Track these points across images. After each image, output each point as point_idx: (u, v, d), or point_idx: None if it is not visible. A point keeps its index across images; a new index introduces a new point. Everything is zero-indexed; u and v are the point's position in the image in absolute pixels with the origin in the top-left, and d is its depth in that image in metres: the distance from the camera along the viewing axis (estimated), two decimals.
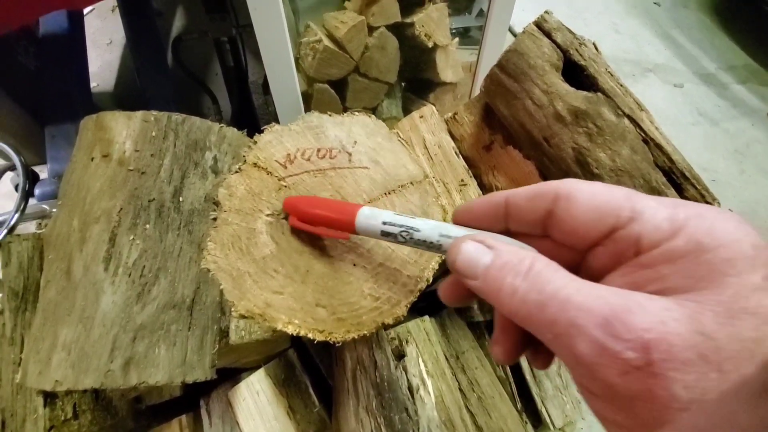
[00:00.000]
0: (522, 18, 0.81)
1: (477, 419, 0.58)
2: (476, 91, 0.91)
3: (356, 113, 0.29)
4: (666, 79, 1.23)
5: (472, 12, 0.96)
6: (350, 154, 0.27)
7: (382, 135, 0.28)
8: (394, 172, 0.28)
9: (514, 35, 1.16)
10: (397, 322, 0.25)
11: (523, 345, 0.19)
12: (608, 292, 0.14)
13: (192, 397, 0.56)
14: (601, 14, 1.38)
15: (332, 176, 0.27)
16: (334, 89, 0.83)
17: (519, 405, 0.63)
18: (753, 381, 0.11)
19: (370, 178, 0.27)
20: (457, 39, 0.90)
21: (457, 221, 0.21)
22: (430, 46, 0.85)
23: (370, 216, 0.22)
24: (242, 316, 0.22)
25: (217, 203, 0.24)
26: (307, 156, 0.27)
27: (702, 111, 1.17)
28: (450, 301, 0.22)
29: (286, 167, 0.26)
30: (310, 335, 0.22)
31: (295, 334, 0.22)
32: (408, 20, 0.82)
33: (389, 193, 0.27)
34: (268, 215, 0.25)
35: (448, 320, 0.65)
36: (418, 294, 0.25)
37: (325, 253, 0.25)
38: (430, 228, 0.20)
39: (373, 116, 0.29)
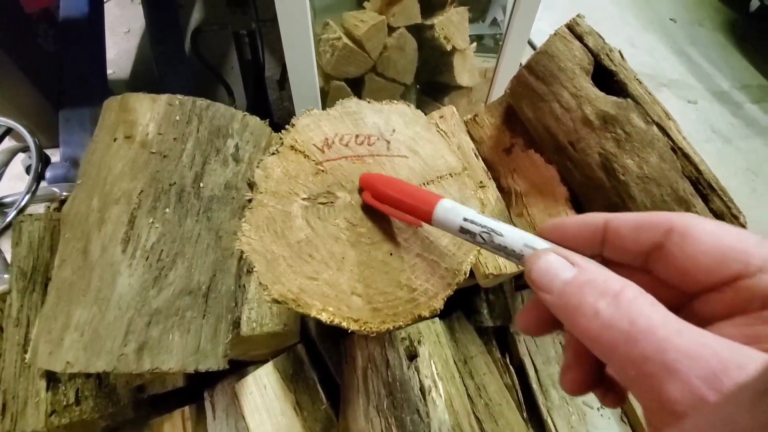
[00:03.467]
0: (537, 27, 0.81)
1: (484, 425, 0.56)
2: (493, 98, 0.91)
3: (395, 102, 0.28)
4: (680, 95, 1.23)
5: (485, 20, 0.97)
6: (389, 142, 0.27)
7: (420, 125, 0.28)
8: (433, 163, 0.27)
9: (532, 46, 1.16)
10: (433, 315, 0.24)
11: (598, 378, 0.18)
12: (717, 343, 0.12)
13: (194, 389, 0.55)
14: (617, 28, 1.39)
15: (370, 163, 0.26)
16: (350, 88, 0.83)
17: (525, 414, 0.62)
18: (753, 384, 0.10)
19: (408, 167, 0.26)
20: (474, 43, 0.90)
21: (542, 236, 0.19)
22: (449, 50, 0.84)
23: (450, 210, 0.22)
24: (275, 301, 0.21)
25: (252, 184, 0.24)
26: (345, 141, 0.26)
27: (715, 128, 1.17)
28: (528, 329, 0.20)
29: (323, 151, 0.26)
30: (344, 324, 0.22)
31: (328, 323, 0.21)
32: (428, 22, 0.82)
33: (428, 184, 0.26)
34: (304, 199, 0.24)
35: (456, 324, 0.64)
36: (456, 287, 0.24)
37: (362, 242, 0.24)
38: (514, 235, 0.19)
39: (411, 105, 0.28)
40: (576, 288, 0.15)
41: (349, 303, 0.22)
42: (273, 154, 0.25)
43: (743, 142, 1.15)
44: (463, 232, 0.21)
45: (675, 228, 0.16)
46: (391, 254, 0.24)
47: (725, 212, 0.41)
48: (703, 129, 1.16)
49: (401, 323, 0.23)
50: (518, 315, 0.21)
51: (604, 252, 0.18)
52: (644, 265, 0.17)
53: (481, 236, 0.20)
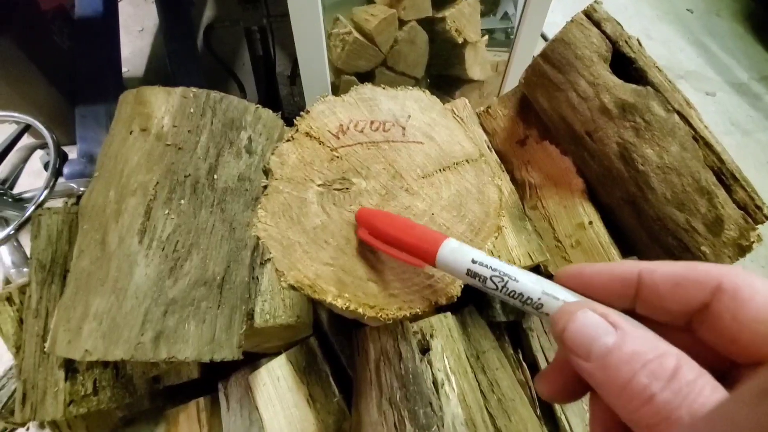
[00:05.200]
0: (550, 19, 0.79)
1: (497, 421, 0.56)
2: (505, 91, 0.90)
3: (410, 88, 0.28)
4: (698, 87, 1.20)
5: (497, 14, 0.96)
6: (404, 128, 0.26)
7: (436, 111, 0.28)
8: (449, 149, 0.27)
9: (545, 39, 1.14)
10: (450, 302, 0.24)
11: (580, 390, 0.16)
12: None
13: (209, 381, 0.55)
14: (632, 19, 1.36)
15: (386, 149, 0.26)
16: (361, 82, 0.83)
17: (538, 410, 0.62)
18: (753, 385, 0.10)
19: (424, 153, 0.26)
20: (486, 36, 0.89)
21: (560, 282, 0.17)
22: (460, 42, 0.83)
23: (456, 250, 0.20)
24: (291, 287, 0.21)
25: (268, 171, 0.24)
26: (360, 128, 0.26)
27: (734, 121, 1.14)
28: (555, 395, 0.18)
29: (338, 138, 0.25)
30: (360, 310, 0.22)
31: (344, 309, 0.21)
32: (439, 15, 0.81)
33: (444, 170, 0.26)
34: (319, 185, 0.24)
35: (468, 318, 0.64)
36: None
37: None
38: (531, 281, 0.17)
39: (427, 91, 0.28)
40: (622, 361, 0.13)
41: (366, 289, 0.22)
42: (288, 140, 0.24)
43: (763, 135, 1.11)
44: (472, 276, 0.19)
45: (724, 287, 0.14)
46: None
47: (749, 203, 0.40)
48: (722, 121, 1.13)
49: (418, 309, 0.23)
50: (540, 378, 0.18)
51: (638, 308, 0.16)
52: (685, 325, 0.15)
53: (492, 281, 0.18)
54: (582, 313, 0.15)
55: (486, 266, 0.18)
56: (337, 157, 0.25)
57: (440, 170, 0.26)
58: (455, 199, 0.25)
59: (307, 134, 0.25)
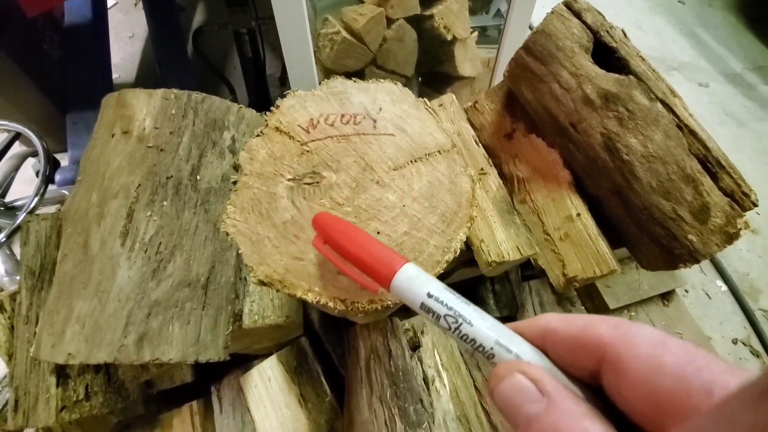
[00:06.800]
0: (541, 16, 0.79)
1: (492, 417, 0.56)
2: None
3: (382, 80, 0.28)
4: (691, 78, 1.19)
5: (489, 12, 0.96)
6: (375, 121, 0.26)
7: (408, 103, 0.27)
8: (421, 140, 0.26)
9: None
10: None
11: None
12: None
13: (203, 384, 0.55)
14: (624, 11, 1.36)
15: (356, 142, 0.26)
16: None
17: None
18: (753, 385, 0.10)
19: (395, 144, 0.26)
20: (476, 33, 0.89)
21: (523, 332, 0.17)
22: (449, 39, 0.83)
23: (413, 278, 0.18)
24: (261, 283, 0.21)
25: (237, 167, 0.24)
26: (330, 121, 0.26)
27: (728, 111, 1.13)
28: None
29: (308, 132, 0.25)
30: (330, 304, 0.21)
31: (315, 303, 0.21)
32: (427, 12, 0.81)
33: (416, 161, 0.26)
34: (289, 180, 0.24)
35: None
36: (445, 265, 0.23)
37: (348, 221, 0.24)
38: (486, 327, 0.16)
39: (399, 84, 0.28)
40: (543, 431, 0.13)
41: (336, 283, 0.22)
42: (258, 136, 0.24)
43: (758, 124, 1.11)
44: (425, 310, 0.17)
45: (607, 358, 0.14)
46: (378, 233, 0.24)
47: (735, 190, 0.39)
48: (717, 112, 1.12)
49: (389, 302, 0.22)
50: None
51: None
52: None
53: (445, 320, 0.17)
54: (510, 378, 0.15)
55: (442, 303, 0.17)
56: (308, 151, 0.25)
57: (412, 162, 0.26)
58: (427, 190, 0.25)
59: (277, 129, 0.25)
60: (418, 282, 0.18)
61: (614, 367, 0.13)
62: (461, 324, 0.16)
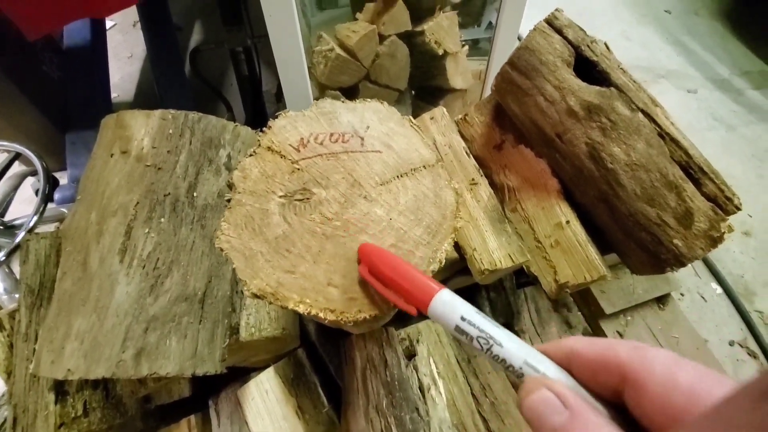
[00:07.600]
0: (529, 26, 0.82)
1: (490, 424, 0.56)
2: None
3: (369, 100, 0.29)
4: (679, 85, 1.22)
5: (481, 25, 0.98)
6: (363, 139, 0.27)
7: (394, 120, 0.29)
8: (407, 156, 0.28)
9: None
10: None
11: None
12: None
13: (201, 398, 0.55)
14: (611, 22, 1.39)
15: (344, 159, 0.27)
16: (345, 96, 0.85)
17: None
18: (753, 386, 0.10)
19: (382, 161, 0.27)
20: (467, 46, 0.91)
21: (550, 353, 0.18)
22: (440, 54, 0.86)
23: (448, 303, 0.20)
24: (254, 296, 0.22)
25: (231, 185, 0.25)
26: (320, 140, 0.27)
27: (717, 116, 1.15)
28: None
29: (299, 151, 0.26)
30: (321, 315, 0.22)
31: (306, 314, 0.22)
32: (418, 29, 0.83)
33: (402, 176, 0.27)
34: (281, 197, 0.25)
35: None
36: (431, 275, 0.24)
37: (337, 234, 0.25)
38: (515, 348, 0.17)
39: (385, 103, 0.29)
40: None
41: (326, 294, 0.23)
42: (251, 155, 0.26)
43: (747, 129, 1.13)
44: (459, 332, 0.19)
45: (628, 379, 0.15)
46: None
47: (718, 195, 0.40)
48: (705, 118, 1.15)
49: (377, 312, 0.23)
50: None
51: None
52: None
53: (478, 341, 0.18)
54: (539, 391, 0.16)
55: (474, 325, 0.19)
56: (298, 169, 0.26)
57: (398, 177, 0.27)
58: (413, 203, 0.26)
59: (269, 149, 0.26)
60: (451, 306, 0.20)
61: (634, 385, 0.15)
62: (492, 345, 0.18)
